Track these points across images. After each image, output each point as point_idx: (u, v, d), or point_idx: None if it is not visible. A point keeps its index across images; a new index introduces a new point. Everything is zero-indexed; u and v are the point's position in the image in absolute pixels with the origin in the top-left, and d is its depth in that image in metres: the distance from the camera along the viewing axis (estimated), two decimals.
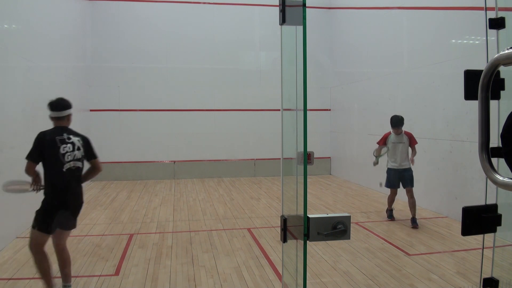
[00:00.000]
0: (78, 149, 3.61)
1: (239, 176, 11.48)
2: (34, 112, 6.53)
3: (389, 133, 6.30)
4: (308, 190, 1.48)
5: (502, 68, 1.15)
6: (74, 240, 5.47)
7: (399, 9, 8.21)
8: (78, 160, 3.61)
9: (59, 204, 3.53)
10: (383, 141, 6.35)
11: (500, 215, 1.59)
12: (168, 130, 11.08)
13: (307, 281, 1.55)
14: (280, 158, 1.68)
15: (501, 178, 1.09)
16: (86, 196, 8.46)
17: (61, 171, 3.49)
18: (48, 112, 3.70)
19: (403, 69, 8.10)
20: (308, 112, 1.43)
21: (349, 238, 1.51)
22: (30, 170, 3.47)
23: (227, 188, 9.74)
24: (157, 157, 11.14)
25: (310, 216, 1.46)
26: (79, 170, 3.66)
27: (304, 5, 1.42)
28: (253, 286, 3.93)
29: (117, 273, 4.29)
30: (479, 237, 1.90)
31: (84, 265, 4.49)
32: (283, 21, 1.48)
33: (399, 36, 8.33)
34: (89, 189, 9.46)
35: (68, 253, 3.73)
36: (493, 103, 1.21)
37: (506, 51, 1.04)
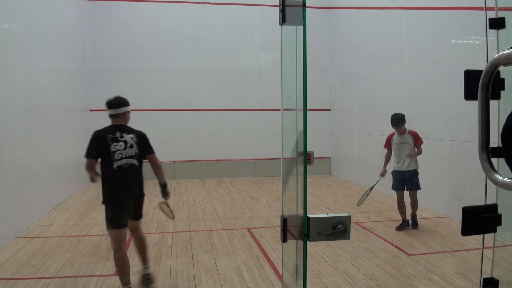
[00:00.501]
0: (131, 146, 3.67)
1: (239, 176, 11.48)
2: (34, 112, 6.54)
3: (393, 133, 6.03)
4: (308, 190, 1.48)
5: (502, 68, 1.15)
6: (74, 240, 5.47)
7: (399, 9, 8.21)
8: (131, 157, 3.67)
9: (117, 199, 3.64)
10: (388, 144, 6.09)
11: (500, 215, 1.59)
12: (168, 130, 11.08)
13: (307, 281, 1.55)
14: (280, 158, 1.68)
15: (501, 178, 1.09)
16: (86, 197, 8.53)
17: (111, 168, 3.59)
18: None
19: (403, 69, 8.10)
20: (308, 112, 1.43)
21: (349, 238, 1.51)
22: (90, 167, 3.63)
23: (227, 188, 9.74)
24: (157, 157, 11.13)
25: (310, 216, 1.46)
26: (134, 167, 3.70)
27: (304, 5, 1.42)
28: (253, 286, 3.93)
29: (117, 273, 4.28)
30: (479, 237, 1.90)
31: (84, 265, 4.49)
32: (283, 21, 1.48)
33: (399, 36, 8.33)
34: (89, 189, 9.46)
35: (145, 238, 3.98)
36: (493, 103, 1.21)
37: (506, 51, 1.04)
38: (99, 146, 3.59)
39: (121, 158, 3.61)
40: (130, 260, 3.85)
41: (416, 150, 5.98)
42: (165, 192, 3.96)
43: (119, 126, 3.72)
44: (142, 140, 3.76)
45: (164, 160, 11.16)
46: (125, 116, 3.78)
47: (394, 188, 6.05)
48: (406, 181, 5.95)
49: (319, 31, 11.79)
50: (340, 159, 11.38)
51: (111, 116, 3.75)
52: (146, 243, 4.03)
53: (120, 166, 3.62)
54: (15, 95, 5.80)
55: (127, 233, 3.76)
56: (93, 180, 3.72)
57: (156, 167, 3.91)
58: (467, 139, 6.11)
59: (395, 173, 6.03)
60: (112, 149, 3.58)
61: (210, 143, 11.41)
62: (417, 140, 5.98)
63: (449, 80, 6.50)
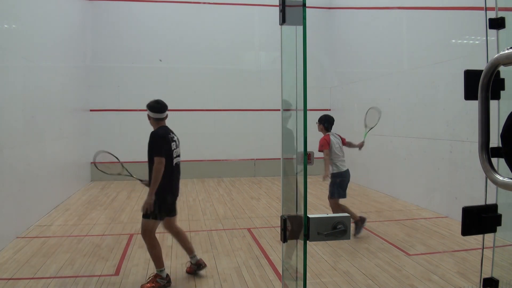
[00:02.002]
0: (178, 146, 4.14)
1: (239, 176, 11.47)
2: (34, 112, 6.54)
3: (328, 135, 5.85)
4: (308, 190, 1.48)
5: (502, 68, 1.15)
6: (74, 240, 5.47)
7: (399, 9, 8.21)
8: (179, 156, 4.13)
9: (171, 196, 4.03)
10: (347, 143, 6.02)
11: (500, 215, 1.59)
12: None
13: (307, 281, 1.55)
14: (280, 158, 1.68)
15: (501, 178, 1.09)
16: (86, 197, 8.53)
17: (171, 166, 3.95)
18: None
19: (403, 69, 8.10)
20: (308, 112, 1.43)
21: (349, 238, 1.51)
22: (163, 167, 3.85)
23: (227, 188, 9.74)
24: None
25: (310, 216, 1.46)
26: (180, 165, 4.16)
27: (304, 5, 1.42)
28: (253, 286, 3.93)
29: (117, 273, 4.29)
30: (479, 237, 1.90)
31: (84, 265, 4.49)
32: (283, 21, 1.48)
33: (399, 36, 8.33)
34: (89, 189, 9.47)
35: (183, 232, 4.30)
36: (493, 103, 1.21)
37: (506, 51, 1.04)
38: (166, 145, 3.92)
39: (176, 156, 4.06)
40: (132, 259, 3.86)
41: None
42: None
43: (168, 127, 4.13)
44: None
45: None
46: (166, 118, 4.18)
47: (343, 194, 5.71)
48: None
49: (319, 31, 11.78)
50: None
51: (161, 119, 4.09)
52: (186, 235, 4.34)
53: (177, 163, 4.06)
54: (15, 95, 5.80)
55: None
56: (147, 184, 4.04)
57: None
58: (467, 139, 6.11)
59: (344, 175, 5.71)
60: (173, 147, 4.00)
61: (210, 143, 11.40)
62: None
63: (449, 80, 6.50)
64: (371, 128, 6.09)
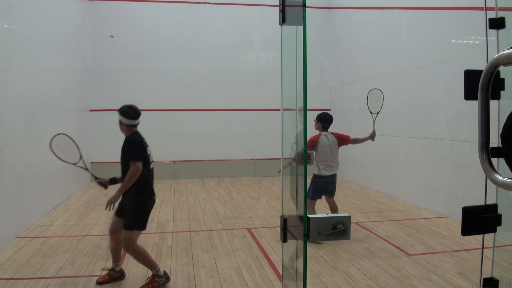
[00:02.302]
0: (150, 151, 4.11)
1: (239, 176, 11.47)
2: (34, 112, 6.54)
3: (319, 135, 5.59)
4: None
5: (502, 68, 1.15)
6: (74, 240, 5.47)
7: (399, 9, 8.21)
8: (153, 161, 4.12)
9: (152, 202, 3.98)
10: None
11: (500, 215, 1.59)
12: (168, 130, 11.07)
13: (307, 281, 1.55)
14: (280, 158, 1.68)
15: (501, 178, 1.09)
16: (86, 197, 8.52)
17: (148, 170, 3.93)
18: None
19: (403, 69, 8.10)
20: (308, 112, 1.43)
21: (349, 238, 1.51)
22: (139, 171, 3.82)
23: (227, 188, 9.74)
24: (157, 157, 11.10)
25: (310, 216, 1.46)
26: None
27: (304, 5, 1.42)
28: (253, 286, 3.93)
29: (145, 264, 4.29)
30: (479, 237, 1.90)
31: (84, 265, 4.49)
32: (283, 21, 1.48)
33: (399, 36, 8.33)
34: (89, 189, 9.46)
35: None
36: (493, 103, 1.21)
37: (506, 51, 1.04)
38: (144, 150, 3.93)
39: (151, 161, 4.04)
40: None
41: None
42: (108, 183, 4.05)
43: (139, 132, 4.13)
44: None
45: (164, 160, 11.17)
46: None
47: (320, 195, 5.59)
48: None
49: (319, 31, 11.79)
50: (340, 159, 11.35)
51: (134, 125, 4.15)
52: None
53: (152, 168, 4.03)
54: (15, 95, 5.80)
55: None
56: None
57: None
58: (467, 139, 6.11)
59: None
60: (148, 152, 3.99)
61: (210, 143, 11.40)
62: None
63: (449, 80, 6.50)
64: (378, 113, 5.86)
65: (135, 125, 4.10)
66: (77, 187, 9.27)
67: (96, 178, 3.94)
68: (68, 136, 4.23)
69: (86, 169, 4.16)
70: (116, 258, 4.04)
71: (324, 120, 5.61)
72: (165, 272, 3.93)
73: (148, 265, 3.88)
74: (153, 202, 3.99)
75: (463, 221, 1.53)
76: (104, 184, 3.96)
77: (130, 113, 4.06)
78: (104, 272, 4.07)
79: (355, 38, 10.49)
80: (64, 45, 8.57)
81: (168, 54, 11.19)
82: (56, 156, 3.99)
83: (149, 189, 3.94)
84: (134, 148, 3.86)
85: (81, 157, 4.18)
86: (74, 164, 4.09)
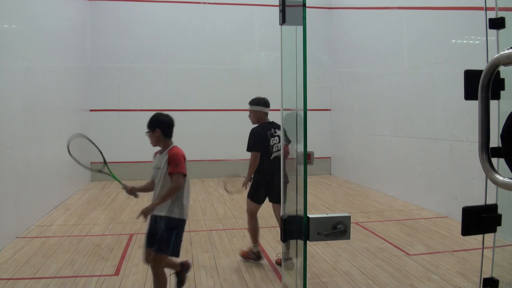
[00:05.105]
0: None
1: (239, 176, 11.45)
2: (34, 112, 6.54)
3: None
4: (308, 190, 1.48)
5: (502, 68, 1.15)
6: (74, 240, 5.47)
7: (399, 9, 8.21)
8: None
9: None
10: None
11: (500, 215, 1.59)
12: None
13: (307, 281, 1.55)
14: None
15: (501, 178, 1.09)
16: (86, 197, 8.52)
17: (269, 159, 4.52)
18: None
19: (403, 69, 8.10)
20: (308, 112, 1.43)
21: (349, 238, 1.51)
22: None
23: None
24: None
25: (310, 216, 1.46)
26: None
27: (304, 5, 1.42)
28: (253, 286, 3.93)
29: (117, 273, 4.29)
30: (479, 237, 1.90)
31: (84, 265, 4.49)
32: (283, 21, 1.48)
33: (399, 36, 8.33)
34: (89, 189, 9.47)
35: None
36: (493, 103, 1.21)
37: (506, 51, 1.04)
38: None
39: (277, 150, 4.47)
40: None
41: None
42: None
43: (272, 123, 4.68)
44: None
45: None
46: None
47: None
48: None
49: (319, 31, 11.78)
50: (340, 159, 11.38)
51: (266, 113, 4.75)
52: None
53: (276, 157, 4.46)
54: (15, 95, 5.80)
55: None
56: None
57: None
58: (467, 139, 6.11)
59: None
60: (271, 143, 4.49)
61: (210, 143, 11.40)
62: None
63: (449, 80, 6.50)
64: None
65: (266, 113, 4.85)
66: (77, 187, 9.27)
67: (126, 187, 3.57)
68: (85, 137, 4.01)
69: (113, 176, 3.79)
70: (255, 240, 4.49)
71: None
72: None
73: (254, 236, 4.55)
74: None
75: (463, 221, 1.53)
76: (131, 192, 3.61)
77: (266, 102, 4.78)
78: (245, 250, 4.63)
79: (355, 38, 10.49)
80: (64, 45, 8.57)
81: (168, 54, 11.18)
82: (79, 163, 3.88)
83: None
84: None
85: (105, 162, 3.89)
86: (99, 171, 3.82)
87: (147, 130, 3.45)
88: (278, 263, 4.42)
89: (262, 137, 4.60)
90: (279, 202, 4.25)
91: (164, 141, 3.46)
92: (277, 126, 4.53)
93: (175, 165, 3.32)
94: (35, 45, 6.70)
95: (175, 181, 3.31)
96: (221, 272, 4.30)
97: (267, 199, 4.79)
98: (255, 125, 4.81)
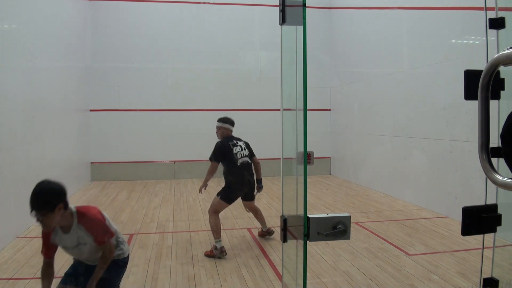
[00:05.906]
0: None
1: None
2: (34, 112, 6.54)
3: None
4: (308, 190, 1.48)
5: (502, 68, 1.15)
6: None
7: (399, 9, 8.21)
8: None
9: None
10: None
11: (500, 215, 1.59)
12: (168, 130, 11.07)
13: (307, 281, 1.55)
14: (280, 158, 1.68)
15: (501, 178, 1.09)
16: (86, 197, 8.52)
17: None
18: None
19: (403, 69, 8.10)
20: (308, 112, 1.43)
21: (349, 238, 1.51)
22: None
23: None
24: (157, 157, 11.14)
25: (310, 216, 1.46)
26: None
27: (304, 5, 1.42)
28: (253, 286, 3.93)
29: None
30: (479, 237, 1.90)
31: None
32: (283, 21, 1.48)
33: (399, 36, 8.33)
34: (89, 189, 9.47)
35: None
36: (493, 103, 1.21)
37: (506, 51, 1.04)
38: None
39: (242, 157, 5.26)
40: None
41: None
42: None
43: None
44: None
45: (164, 160, 11.17)
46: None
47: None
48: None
49: (319, 31, 11.79)
50: (340, 159, 11.38)
51: (231, 130, 5.62)
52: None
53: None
54: (15, 95, 5.80)
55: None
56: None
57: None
58: (467, 139, 6.11)
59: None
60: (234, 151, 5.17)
61: (210, 143, 11.29)
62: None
63: (449, 80, 6.50)
64: None
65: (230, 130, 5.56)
66: (77, 187, 9.27)
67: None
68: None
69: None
70: (218, 235, 4.80)
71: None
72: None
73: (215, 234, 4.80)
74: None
75: (463, 221, 1.53)
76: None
77: (231, 121, 5.64)
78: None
79: (355, 38, 10.49)
80: (64, 45, 8.57)
81: (168, 54, 11.18)
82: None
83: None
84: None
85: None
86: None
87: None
88: (260, 235, 5.52)
89: (225, 148, 5.26)
90: (250, 200, 5.44)
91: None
92: (238, 139, 5.50)
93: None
94: (35, 45, 6.70)
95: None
96: (221, 272, 4.30)
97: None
98: (220, 140, 5.54)
